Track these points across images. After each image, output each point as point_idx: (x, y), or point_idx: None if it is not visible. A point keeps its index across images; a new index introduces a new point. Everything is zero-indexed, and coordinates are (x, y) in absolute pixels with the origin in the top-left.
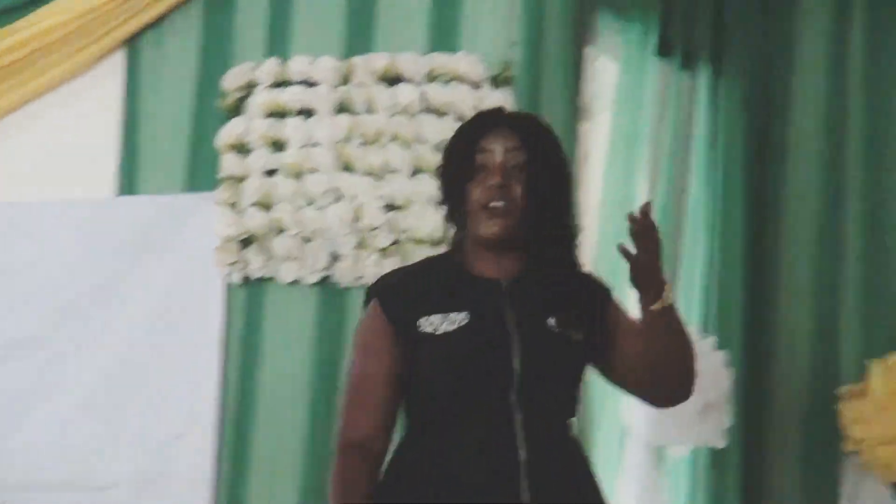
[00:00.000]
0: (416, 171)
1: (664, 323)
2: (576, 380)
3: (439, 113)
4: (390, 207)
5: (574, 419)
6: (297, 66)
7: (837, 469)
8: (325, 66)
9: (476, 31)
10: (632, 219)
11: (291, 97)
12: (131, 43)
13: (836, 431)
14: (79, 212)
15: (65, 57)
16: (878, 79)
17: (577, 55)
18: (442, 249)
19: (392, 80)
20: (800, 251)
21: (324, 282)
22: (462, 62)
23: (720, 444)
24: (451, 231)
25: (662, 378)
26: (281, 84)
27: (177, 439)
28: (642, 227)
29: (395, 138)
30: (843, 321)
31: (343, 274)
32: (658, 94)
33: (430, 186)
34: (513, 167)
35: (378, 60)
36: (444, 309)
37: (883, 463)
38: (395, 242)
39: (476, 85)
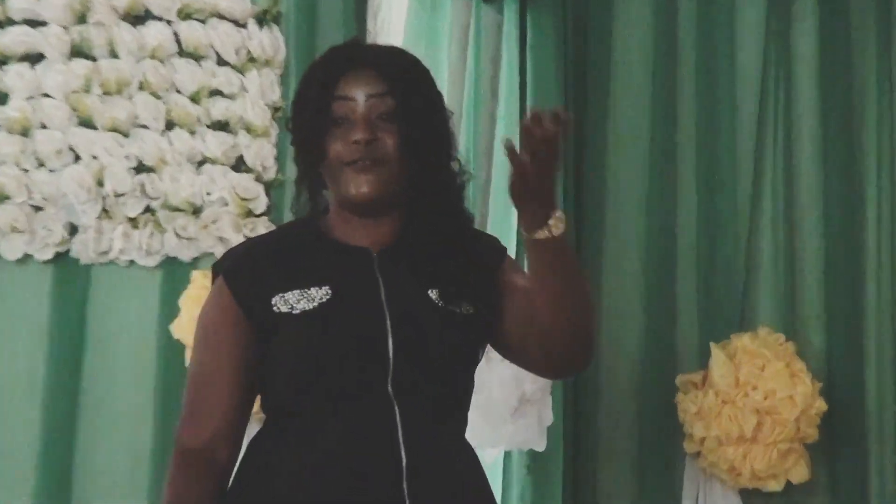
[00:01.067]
0: (170, 126)
1: (549, 260)
2: (468, 362)
3: (196, 56)
4: (140, 169)
5: (466, 411)
6: (20, 2)
7: (677, 473)
8: (55, 3)
9: None
10: (534, 118)
11: (13, 40)
12: None
13: (675, 428)
14: None
15: None
16: (709, 9)
17: None
18: (206, 218)
19: (138, 18)
20: (627, 217)
21: (60, 258)
22: None
23: (540, 445)
24: (304, 197)
25: (552, 335)
26: (0, 24)
27: None
28: (545, 134)
29: (143, 87)
30: (680, 299)
31: (84, 249)
32: (457, 32)
33: (187, 143)
34: (379, 116)
35: None
36: (302, 284)
37: (729, 465)
38: (146, 210)
39: (239, 23)
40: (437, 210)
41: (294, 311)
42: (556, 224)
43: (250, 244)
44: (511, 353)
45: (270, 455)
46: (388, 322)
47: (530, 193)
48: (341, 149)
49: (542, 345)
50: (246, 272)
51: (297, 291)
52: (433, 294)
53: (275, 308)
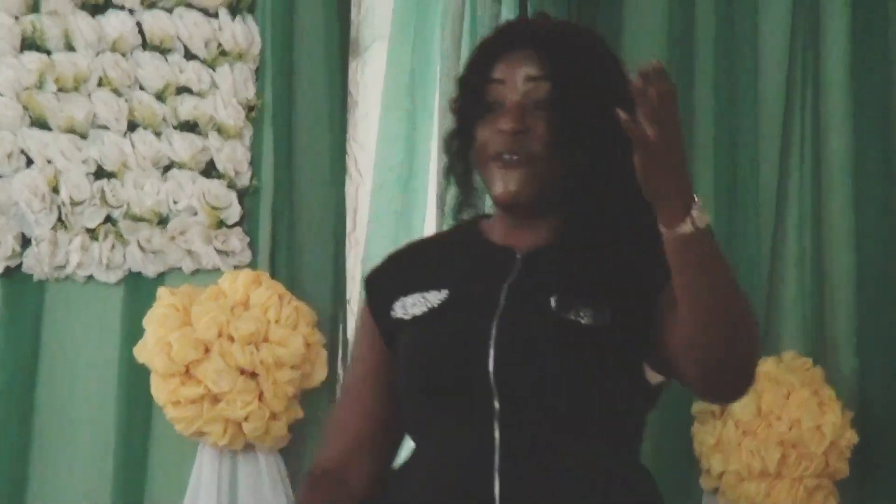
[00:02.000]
0: (133, 127)
1: (695, 260)
2: (588, 375)
3: (162, 49)
4: (99, 174)
5: (625, 441)
6: None
7: None
8: None
9: None
10: (644, 76)
11: None
12: None
13: (691, 462)
14: None
15: None
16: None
17: None
18: (173, 229)
19: (97, 7)
20: None
21: (11, 273)
22: None
23: None
24: (450, 191)
25: (705, 351)
26: None
27: None
28: (662, 92)
29: (102, 83)
30: None
31: (37, 263)
32: (449, 23)
33: (151, 146)
34: (535, 104)
35: None
36: (424, 286)
37: (750, 502)
38: (107, 220)
39: (209, 12)
40: (596, 213)
41: (406, 317)
42: (700, 214)
43: (401, 247)
44: (670, 373)
45: (391, 478)
46: (494, 330)
47: (665, 174)
48: (488, 137)
49: (697, 363)
50: (382, 278)
51: (417, 295)
52: (553, 300)
53: (392, 313)
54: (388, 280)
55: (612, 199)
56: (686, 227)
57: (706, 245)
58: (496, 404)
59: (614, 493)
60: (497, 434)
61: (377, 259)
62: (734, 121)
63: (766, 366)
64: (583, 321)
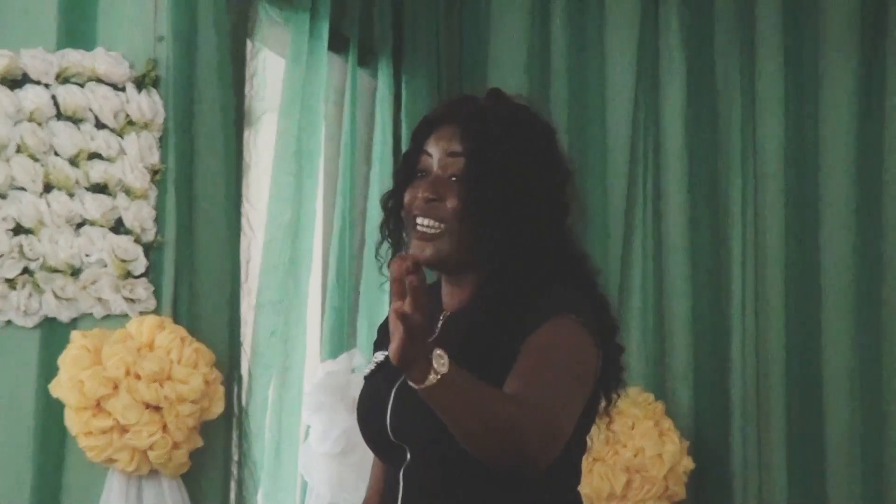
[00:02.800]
0: (49, 188)
1: (446, 400)
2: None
3: (75, 119)
4: (17, 231)
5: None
6: None
7: None
8: None
9: (116, 24)
10: (399, 271)
11: None
12: None
13: None
14: None
15: None
16: (581, 63)
17: (237, 50)
18: (85, 279)
19: (15, 81)
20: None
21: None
22: (101, 60)
23: None
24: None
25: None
26: None
27: None
28: (414, 287)
29: (20, 150)
30: None
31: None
32: (333, 94)
33: (66, 205)
34: (452, 176)
35: None
36: (384, 346)
37: None
38: (25, 271)
39: (118, 86)
40: (497, 281)
41: (364, 375)
42: (439, 361)
43: None
44: None
45: None
46: (392, 394)
47: (419, 346)
48: (410, 200)
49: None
50: (381, 335)
51: (377, 352)
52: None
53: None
54: (381, 333)
55: (516, 275)
56: (431, 379)
57: (453, 387)
58: (408, 455)
59: None
60: (402, 483)
61: (269, 305)
62: (585, 181)
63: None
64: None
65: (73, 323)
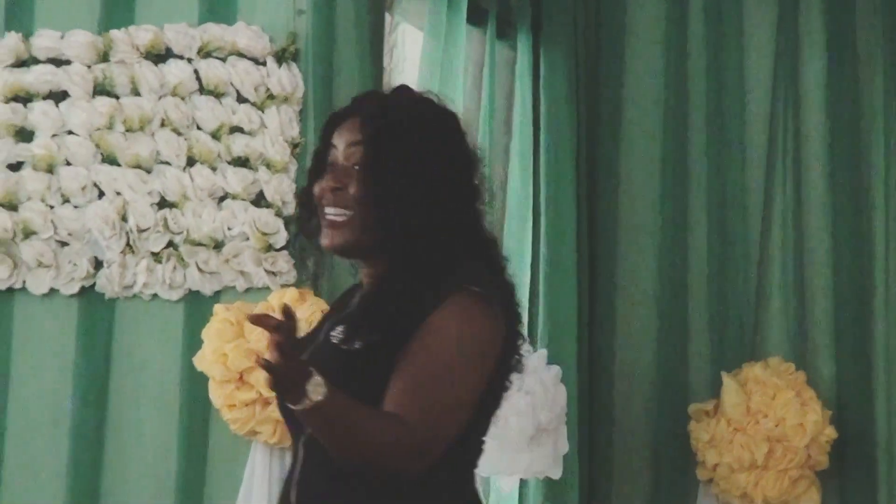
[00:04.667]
0: (192, 162)
1: (319, 422)
2: (361, 397)
3: (217, 94)
4: (162, 204)
5: None
6: (44, 41)
7: (689, 499)
8: (78, 42)
9: None
10: (267, 323)
11: (38, 78)
12: None
13: (688, 456)
14: None
15: None
16: (719, 40)
17: (375, 23)
18: (227, 252)
19: (159, 56)
20: (640, 249)
21: (85, 292)
22: (241, 34)
23: (556, 473)
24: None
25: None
26: (24, 63)
27: None
28: (282, 340)
29: (164, 124)
30: (692, 329)
31: (109, 283)
32: (471, 67)
33: (207, 179)
34: (355, 165)
35: (142, 34)
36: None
37: (741, 492)
38: (169, 245)
39: (258, 61)
40: (400, 262)
41: None
42: (315, 390)
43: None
44: None
45: None
46: None
47: (291, 382)
48: (318, 191)
49: None
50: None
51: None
52: (338, 330)
53: None
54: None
55: (418, 256)
56: (305, 404)
57: (327, 413)
58: (303, 442)
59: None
60: (301, 451)
61: None
62: (724, 157)
63: (754, 370)
64: (352, 347)
65: (216, 296)
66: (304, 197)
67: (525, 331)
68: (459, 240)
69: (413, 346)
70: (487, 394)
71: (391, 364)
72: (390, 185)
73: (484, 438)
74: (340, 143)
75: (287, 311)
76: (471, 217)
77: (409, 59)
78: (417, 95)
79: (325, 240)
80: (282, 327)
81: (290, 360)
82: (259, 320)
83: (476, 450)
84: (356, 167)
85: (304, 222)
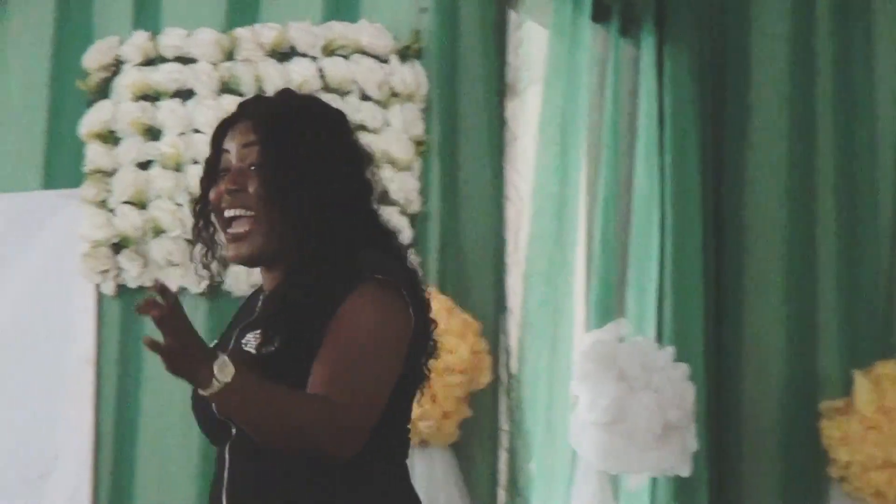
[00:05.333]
0: None
1: (233, 403)
2: None
3: (341, 92)
4: None
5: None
6: (171, 39)
7: (821, 497)
8: (204, 40)
9: None
10: (145, 307)
11: (165, 76)
12: None
13: (820, 454)
14: None
15: None
16: (847, 37)
17: (500, 21)
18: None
19: (283, 54)
20: (767, 246)
21: (214, 290)
22: (364, 32)
23: (685, 471)
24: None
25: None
26: (152, 61)
27: (42, 478)
28: (157, 317)
29: None
30: (822, 326)
31: (236, 281)
32: (596, 65)
33: None
34: (250, 166)
35: (266, 32)
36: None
37: (874, 490)
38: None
39: (382, 58)
40: (304, 258)
41: None
42: (222, 370)
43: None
44: None
45: None
46: None
47: (185, 362)
48: (214, 196)
49: None
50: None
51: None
52: (250, 336)
53: None
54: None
55: (320, 253)
56: (215, 386)
57: (237, 392)
58: (233, 431)
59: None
60: (227, 457)
61: (537, 275)
62: (853, 148)
63: (886, 367)
64: (263, 350)
65: None
66: (200, 205)
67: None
68: (358, 232)
69: (329, 336)
70: (405, 378)
71: (310, 360)
72: (289, 181)
73: (408, 427)
74: (233, 146)
75: (163, 289)
76: (367, 210)
77: (533, 57)
78: (304, 96)
79: (230, 252)
80: (163, 305)
81: (183, 336)
82: (142, 307)
83: (403, 438)
84: (252, 167)
85: (199, 231)
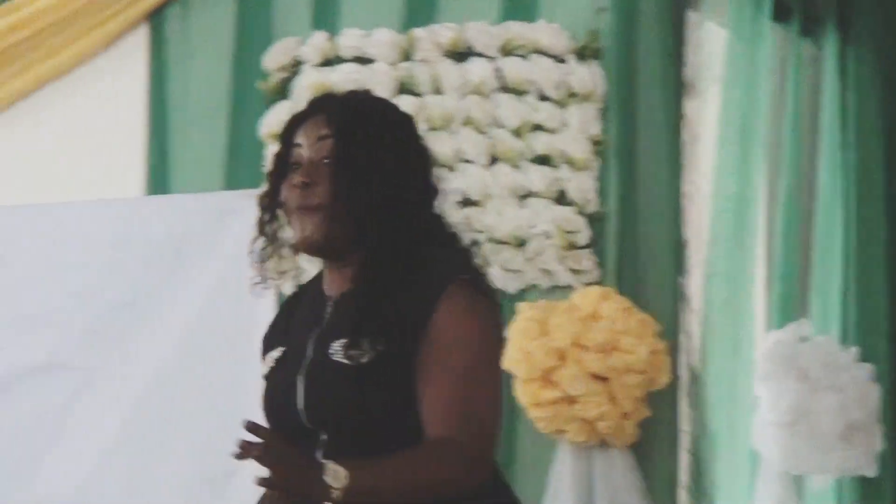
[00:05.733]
0: (494, 160)
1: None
2: (393, 420)
3: (518, 92)
4: (465, 203)
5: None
6: (349, 40)
7: None
8: (382, 41)
9: None
10: (244, 452)
11: (343, 77)
12: (155, 16)
13: None
14: (100, 215)
15: (78, 35)
16: None
17: (678, 20)
18: (530, 251)
19: (461, 54)
20: None
21: None
22: (542, 32)
23: (870, 471)
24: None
25: None
26: (330, 62)
27: (228, 477)
28: (259, 454)
29: (467, 122)
30: None
31: None
32: (776, 66)
33: (510, 177)
34: (323, 160)
35: (444, 32)
36: (275, 344)
37: None
38: (472, 244)
39: (560, 58)
40: (379, 258)
41: (262, 375)
42: (336, 478)
43: (290, 294)
44: None
45: None
46: (300, 385)
47: (297, 488)
48: (286, 192)
49: None
50: (266, 334)
51: (271, 352)
52: (336, 346)
53: (262, 371)
54: (267, 336)
55: (394, 254)
56: (337, 495)
57: (360, 489)
58: (323, 437)
59: None
60: (321, 454)
61: (718, 275)
62: None
63: None
64: (355, 363)
65: (520, 294)
66: (268, 200)
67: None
68: (426, 231)
69: (432, 355)
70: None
71: (405, 370)
72: (361, 176)
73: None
74: (306, 139)
75: (255, 427)
76: (433, 212)
77: (713, 57)
78: (376, 96)
79: (297, 236)
80: (259, 444)
81: (286, 464)
82: (242, 453)
83: (498, 442)
84: (325, 160)
85: (264, 226)
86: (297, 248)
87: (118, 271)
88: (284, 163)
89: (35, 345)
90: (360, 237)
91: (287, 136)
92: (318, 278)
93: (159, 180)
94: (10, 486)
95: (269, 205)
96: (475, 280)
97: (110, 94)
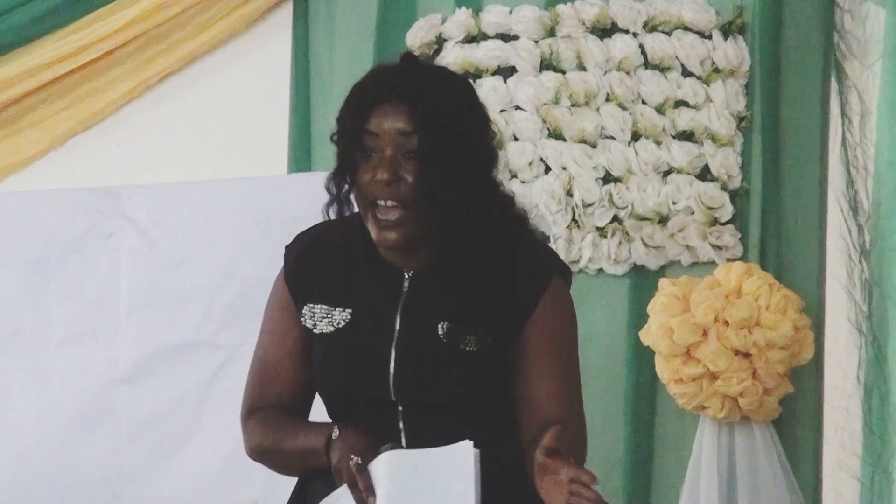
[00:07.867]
0: (637, 137)
1: None
2: (476, 399)
3: (662, 68)
4: (607, 179)
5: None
6: (493, 17)
7: None
8: (526, 17)
9: None
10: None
11: (487, 54)
12: None
13: None
14: (243, 194)
15: (223, 13)
16: None
17: None
18: (672, 227)
19: (605, 30)
20: None
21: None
22: (687, 7)
23: None
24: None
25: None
26: (474, 39)
27: None
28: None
29: (610, 98)
30: None
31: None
32: None
33: (653, 154)
34: (405, 154)
35: (588, 8)
36: (330, 300)
37: None
38: (614, 220)
39: (704, 34)
40: (470, 242)
41: (315, 331)
42: None
43: (314, 237)
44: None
45: None
46: (393, 354)
47: None
48: (366, 183)
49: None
50: (300, 272)
51: (324, 307)
52: (442, 328)
53: (302, 319)
54: (303, 275)
55: (480, 234)
56: None
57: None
58: (400, 408)
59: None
60: (401, 423)
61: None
62: None
63: None
64: (466, 348)
65: (662, 270)
66: (338, 181)
67: None
68: (496, 199)
69: (542, 347)
70: None
71: (503, 360)
72: (447, 174)
73: None
74: (383, 131)
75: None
76: (494, 179)
77: (869, 33)
78: (451, 74)
79: (379, 237)
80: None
81: None
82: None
83: None
84: (409, 155)
85: (330, 206)
86: (378, 245)
87: (260, 250)
88: (357, 144)
89: (181, 323)
90: (445, 226)
91: (359, 118)
92: (353, 233)
93: (301, 157)
94: (159, 463)
95: (340, 188)
96: (565, 271)
97: (255, 71)
